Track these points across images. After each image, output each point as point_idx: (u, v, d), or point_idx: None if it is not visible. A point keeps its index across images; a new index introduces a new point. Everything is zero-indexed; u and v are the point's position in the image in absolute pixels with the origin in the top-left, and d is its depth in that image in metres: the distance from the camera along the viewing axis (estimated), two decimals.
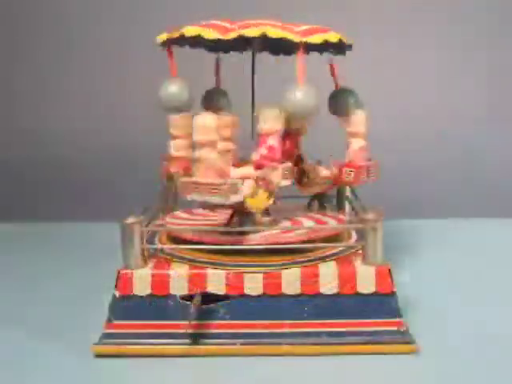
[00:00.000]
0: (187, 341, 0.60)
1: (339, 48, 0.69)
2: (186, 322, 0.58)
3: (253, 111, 0.73)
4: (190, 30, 0.63)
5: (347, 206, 0.78)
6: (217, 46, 0.76)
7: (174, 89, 0.67)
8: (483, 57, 1.27)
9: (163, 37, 0.66)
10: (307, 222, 0.71)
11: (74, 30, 1.32)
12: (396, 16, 1.28)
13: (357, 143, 0.70)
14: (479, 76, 1.28)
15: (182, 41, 0.67)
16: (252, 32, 0.61)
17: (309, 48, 0.65)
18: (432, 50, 1.27)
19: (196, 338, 0.60)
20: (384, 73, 1.25)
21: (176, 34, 0.64)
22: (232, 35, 0.62)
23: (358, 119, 0.70)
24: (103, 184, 1.22)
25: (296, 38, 0.60)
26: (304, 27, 0.62)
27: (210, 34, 0.62)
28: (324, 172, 0.72)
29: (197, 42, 0.70)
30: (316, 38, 0.61)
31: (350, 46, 0.68)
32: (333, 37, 0.63)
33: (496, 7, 1.26)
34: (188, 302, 0.59)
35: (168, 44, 0.67)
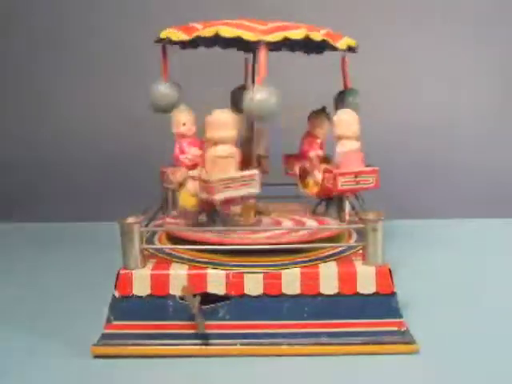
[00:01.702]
0: (187, 341, 0.60)
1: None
2: (195, 323, 0.59)
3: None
4: (225, 31, 0.60)
5: (347, 206, 0.78)
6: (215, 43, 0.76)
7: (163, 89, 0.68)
8: (486, 56, 1.27)
9: (178, 35, 0.63)
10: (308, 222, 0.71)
11: (73, 29, 1.32)
12: (397, 16, 1.28)
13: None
14: (480, 76, 1.28)
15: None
16: (296, 34, 0.60)
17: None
18: (434, 50, 1.27)
19: (206, 338, 0.60)
20: (384, 71, 1.25)
21: (209, 33, 0.60)
22: (277, 37, 0.59)
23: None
24: (103, 184, 1.22)
25: (340, 45, 0.64)
26: (325, 30, 0.64)
27: (249, 36, 0.59)
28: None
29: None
30: (343, 43, 0.65)
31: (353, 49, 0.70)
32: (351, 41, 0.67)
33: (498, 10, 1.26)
34: (187, 303, 0.59)
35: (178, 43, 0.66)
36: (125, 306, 0.61)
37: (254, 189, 0.63)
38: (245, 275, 0.60)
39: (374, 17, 1.25)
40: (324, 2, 1.22)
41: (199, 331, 0.59)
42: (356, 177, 0.67)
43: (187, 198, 0.66)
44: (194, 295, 0.59)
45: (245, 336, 0.60)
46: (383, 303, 0.60)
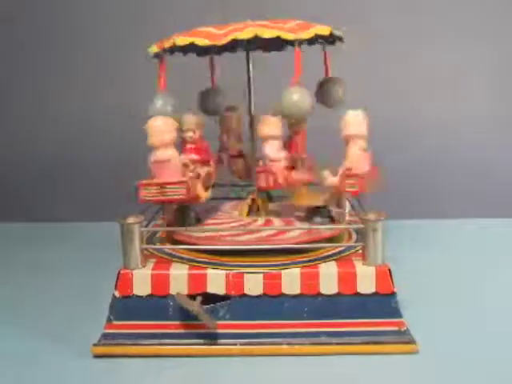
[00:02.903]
0: (187, 341, 0.60)
1: (331, 40, 0.69)
2: (205, 323, 0.59)
3: (250, 111, 0.73)
4: (181, 40, 0.62)
5: (347, 206, 0.78)
6: (209, 49, 0.76)
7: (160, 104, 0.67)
8: (489, 56, 1.27)
9: (154, 49, 0.65)
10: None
11: (73, 29, 1.32)
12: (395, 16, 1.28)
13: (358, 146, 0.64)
14: (482, 76, 1.28)
15: (174, 49, 0.66)
16: (245, 34, 0.60)
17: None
18: (443, 50, 1.27)
19: (215, 337, 0.60)
20: (385, 71, 1.25)
21: (168, 44, 0.63)
22: (225, 40, 0.60)
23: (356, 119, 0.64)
24: (103, 184, 1.22)
25: (290, 36, 0.60)
26: (292, 23, 0.62)
27: (203, 42, 0.61)
28: (329, 180, 0.65)
29: (189, 48, 0.70)
30: (307, 34, 0.61)
31: (340, 38, 0.67)
32: (324, 30, 0.62)
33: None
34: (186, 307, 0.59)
35: (160, 56, 0.65)
36: (125, 306, 0.61)
37: None
38: (245, 275, 0.60)
39: (377, 16, 1.26)
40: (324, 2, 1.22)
41: (211, 329, 0.59)
42: (162, 187, 0.62)
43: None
44: (194, 297, 0.59)
45: (245, 336, 0.60)
46: (383, 303, 0.60)
